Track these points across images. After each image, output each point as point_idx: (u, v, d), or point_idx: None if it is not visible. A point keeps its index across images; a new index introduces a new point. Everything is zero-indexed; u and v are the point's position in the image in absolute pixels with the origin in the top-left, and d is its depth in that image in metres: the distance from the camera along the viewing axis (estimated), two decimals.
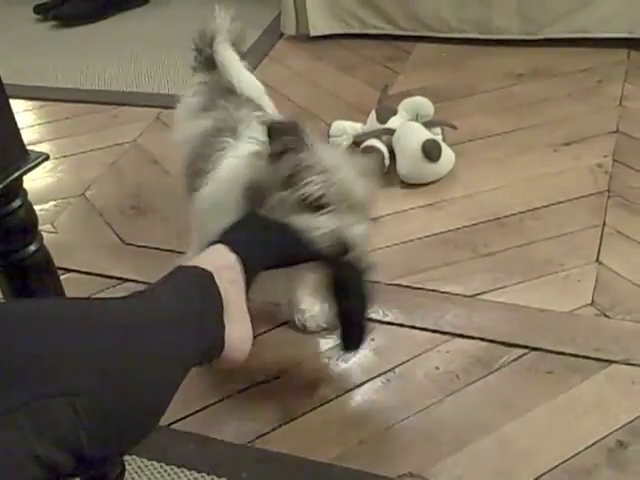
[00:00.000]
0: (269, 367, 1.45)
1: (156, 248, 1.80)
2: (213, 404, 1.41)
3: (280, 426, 1.36)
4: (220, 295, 1.04)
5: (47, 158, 0.91)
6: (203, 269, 1.05)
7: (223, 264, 1.08)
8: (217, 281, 1.04)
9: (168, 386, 0.90)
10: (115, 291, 1.70)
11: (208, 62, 1.60)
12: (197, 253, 1.14)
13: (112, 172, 2.10)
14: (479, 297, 1.58)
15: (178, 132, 1.62)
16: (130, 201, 1.98)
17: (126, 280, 1.72)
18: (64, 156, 2.17)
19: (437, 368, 1.44)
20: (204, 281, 1.04)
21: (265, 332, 1.54)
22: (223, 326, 1.03)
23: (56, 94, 2.47)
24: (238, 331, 1.06)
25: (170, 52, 2.62)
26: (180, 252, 1.76)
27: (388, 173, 1.92)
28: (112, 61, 2.64)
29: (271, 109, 1.60)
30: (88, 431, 0.76)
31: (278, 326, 1.55)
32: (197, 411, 1.39)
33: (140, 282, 1.70)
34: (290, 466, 1.28)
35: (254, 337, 1.11)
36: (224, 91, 1.54)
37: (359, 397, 1.40)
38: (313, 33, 2.61)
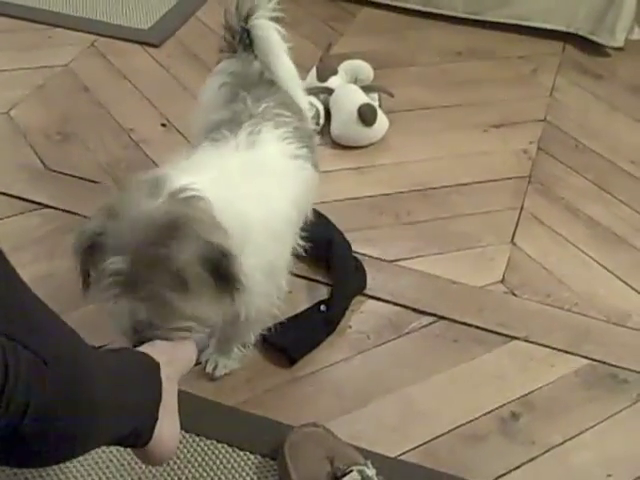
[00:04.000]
0: None
1: (79, 177, 1.76)
2: None
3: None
4: (161, 388, 1.04)
5: None
6: (152, 359, 1.05)
7: (165, 358, 1.08)
8: (161, 374, 1.05)
9: (89, 433, 0.89)
10: (31, 216, 1.66)
11: (240, 42, 1.42)
12: None
13: (40, 94, 2.03)
14: (396, 263, 1.62)
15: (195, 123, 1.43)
16: (56, 126, 1.92)
17: (45, 206, 1.68)
18: None
19: (350, 327, 1.48)
20: (151, 370, 1.05)
21: None
22: (156, 419, 1.03)
23: None
24: (168, 428, 1.05)
25: None
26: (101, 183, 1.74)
27: (321, 132, 1.93)
28: None
29: (302, 102, 1.45)
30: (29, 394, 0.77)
31: None
32: None
33: (59, 209, 1.67)
34: (196, 407, 1.30)
35: None
36: (252, 79, 1.38)
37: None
38: None
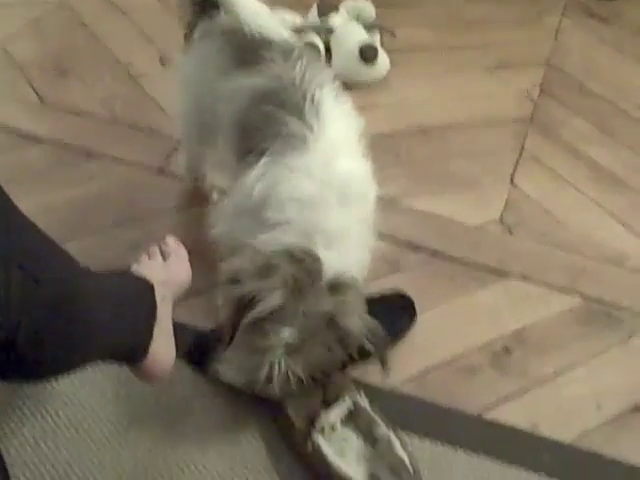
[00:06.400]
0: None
1: (76, 112, 1.75)
2: None
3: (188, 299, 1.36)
4: (155, 309, 1.06)
5: None
6: (147, 280, 1.07)
7: (159, 279, 1.10)
8: (156, 295, 1.07)
9: (85, 346, 0.90)
10: (28, 149, 1.65)
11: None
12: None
13: (36, 29, 2.00)
14: (395, 201, 1.61)
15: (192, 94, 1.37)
16: (53, 61, 1.90)
17: (42, 140, 1.66)
18: None
19: None
20: (145, 291, 1.07)
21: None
22: (151, 336, 1.04)
23: None
24: (163, 347, 1.07)
25: None
26: (99, 118, 1.73)
27: None
28: None
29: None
30: (23, 312, 0.78)
31: None
32: None
33: (56, 143, 1.66)
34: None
35: None
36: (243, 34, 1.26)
37: None
38: None
